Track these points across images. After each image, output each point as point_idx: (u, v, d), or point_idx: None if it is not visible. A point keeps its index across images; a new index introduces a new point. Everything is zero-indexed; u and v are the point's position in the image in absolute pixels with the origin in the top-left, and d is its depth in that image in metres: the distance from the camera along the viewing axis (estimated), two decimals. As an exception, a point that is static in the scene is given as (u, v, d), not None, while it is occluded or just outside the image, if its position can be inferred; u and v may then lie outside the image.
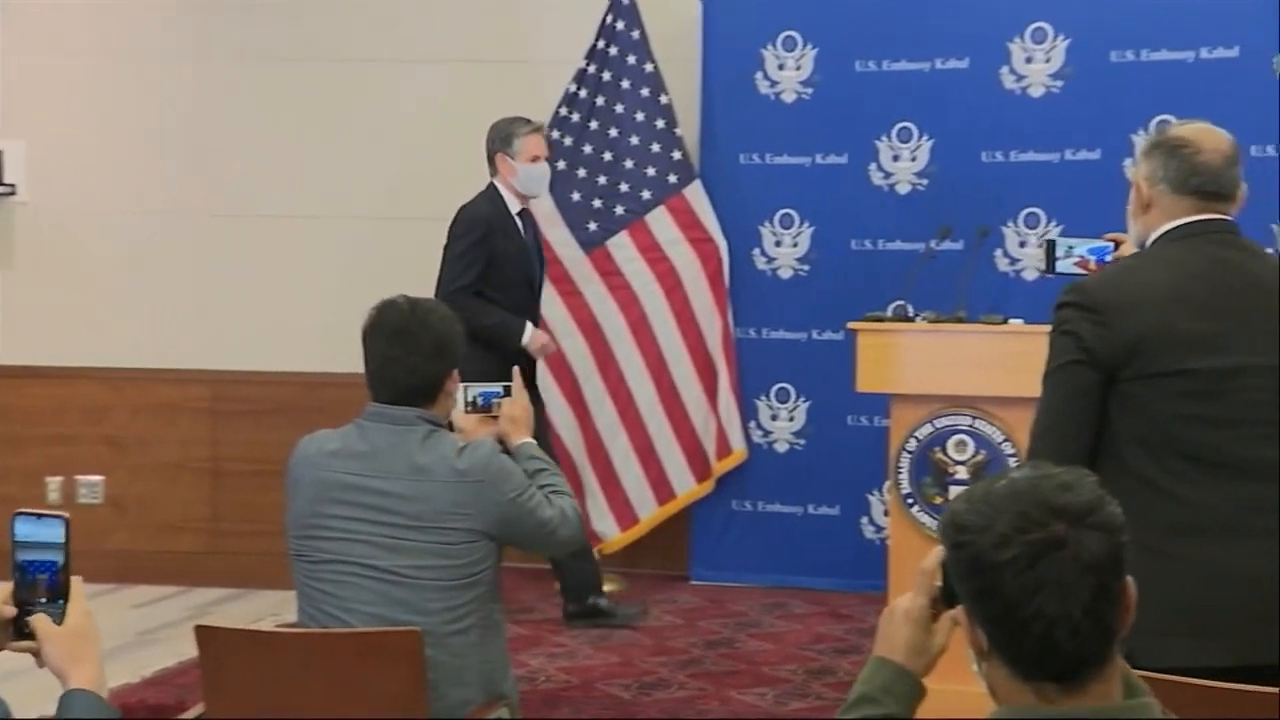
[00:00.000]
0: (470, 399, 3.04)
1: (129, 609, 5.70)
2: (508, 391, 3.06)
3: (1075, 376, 2.45)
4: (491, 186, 5.00)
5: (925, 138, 5.49)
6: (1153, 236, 2.52)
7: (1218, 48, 5.15)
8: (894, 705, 1.69)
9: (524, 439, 3.03)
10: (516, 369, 3.37)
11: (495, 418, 3.03)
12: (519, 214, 4.98)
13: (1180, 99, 5.13)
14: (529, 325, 4.93)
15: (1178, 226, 2.48)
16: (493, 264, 4.86)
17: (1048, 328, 3.97)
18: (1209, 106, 5.01)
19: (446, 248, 4.95)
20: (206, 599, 5.88)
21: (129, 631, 5.30)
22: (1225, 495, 2.40)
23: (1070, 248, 3.16)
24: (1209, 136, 2.51)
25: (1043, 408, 2.51)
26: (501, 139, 4.95)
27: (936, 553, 1.63)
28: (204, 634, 2.62)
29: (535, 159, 4.93)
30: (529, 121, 4.99)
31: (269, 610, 5.47)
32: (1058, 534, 1.46)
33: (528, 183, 4.95)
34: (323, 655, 2.61)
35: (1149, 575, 2.32)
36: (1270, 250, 2.84)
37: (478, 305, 4.79)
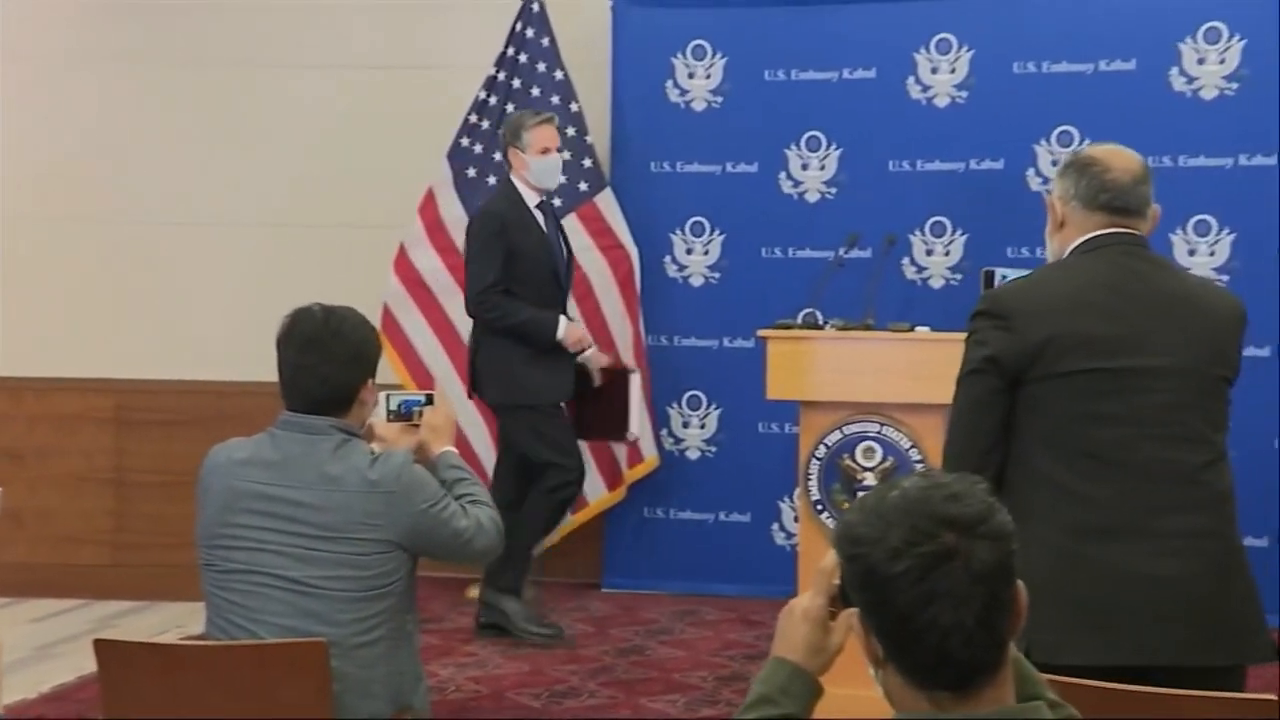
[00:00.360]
0: (392, 407, 3.00)
1: (28, 623, 5.57)
2: (430, 400, 3.02)
3: (981, 383, 2.52)
4: (507, 182, 4.97)
5: (834, 147, 5.54)
6: (1066, 251, 2.60)
7: (1115, 60, 5.26)
8: (791, 705, 1.70)
9: (445, 447, 2.99)
10: (436, 378, 3.35)
11: (418, 426, 2.99)
12: (538, 206, 4.92)
13: (1080, 110, 5.28)
14: (561, 319, 4.86)
15: (1088, 239, 2.56)
16: (514, 259, 4.80)
17: (954, 335, 4.08)
18: (1107, 118, 5.21)
19: (465, 250, 4.92)
20: (109, 612, 5.76)
21: (27, 646, 5.18)
22: (1129, 495, 2.44)
23: (1004, 278, 3.21)
24: (1119, 157, 2.60)
25: (952, 414, 2.59)
26: (511, 133, 4.91)
27: (834, 553, 1.64)
28: (104, 648, 2.57)
29: (545, 151, 4.86)
30: (538, 113, 4.94)
31: (174, 623, 5.38)
32: (949, 545, 1.47)
33: (540, 175, 4.88)
34: (226, 668, 2.56)
35: (1053, 573, 2.39)
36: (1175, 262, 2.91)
37: (507, 304, 4.77)
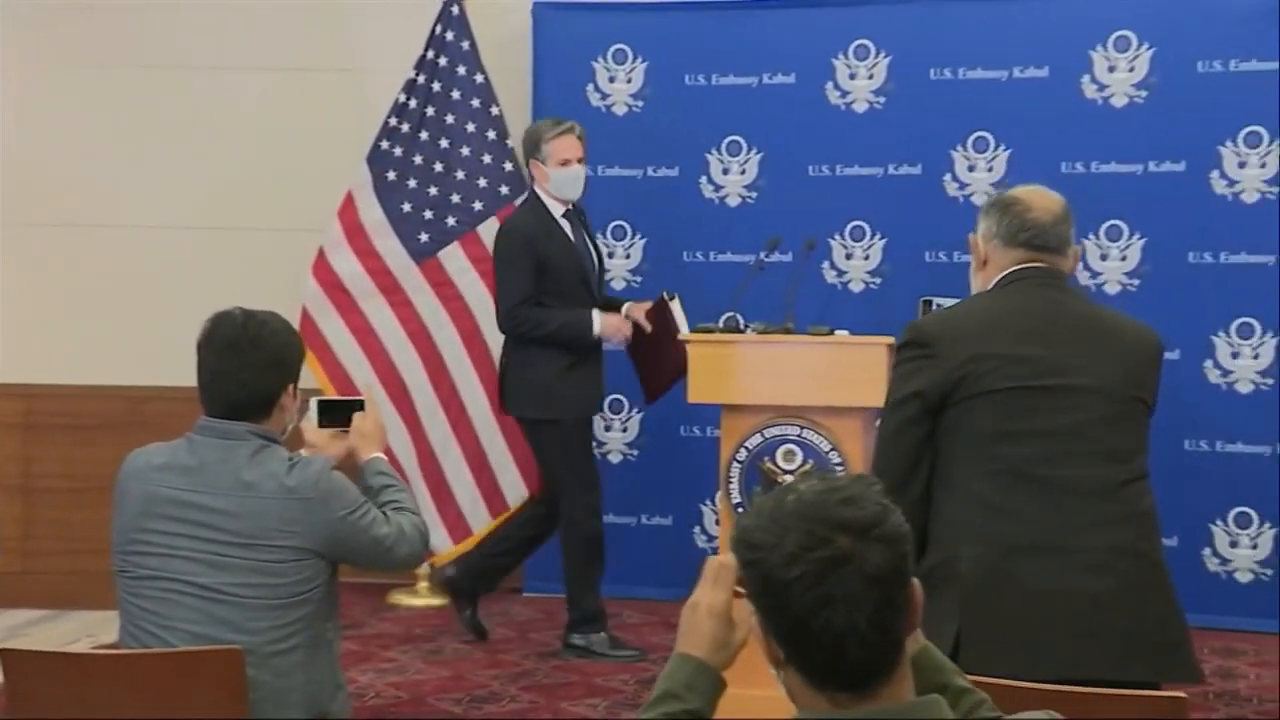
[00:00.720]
0: (323, 412, 2.97)
1: (-68, 634, 5.45)
2: (360, 405, 2.99)
3: (903, 410, 2.58)
4: (532, 194, 4.92)
5: (754, 151, 5.57)
6: (989, 287, 2.68)
7: (1029, 68, 5.34)
8: (696, 701, 1.71)
9: (374, 453, 2.97)
10: (368, 386, 3.32)
11: (346, 431, 2.96)
12: (564, 216, 4.85)
13: (995, 116, 5.35)
14: (595, 314, 4.79)
15: (1007, 273, 2.64)
16: (543, 271, 4.75)
17: (874, 338, 4.16)
18: (1021, 124, 5.30)
19: (494, 268, 4.89)
20: (17, 621, 5.64)
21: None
22: (1051, 512, 2.49)
23: (941, 306, 3.26)
24: (1040, 197, 2.68)
25: (878, 440, 2.65)
26: (530, 145, 4.84)
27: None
28: (9, 657, 2.52)
29: (565, 162, 4.78)
30: (557, 124, 4.85)
31: (85, 631, 5.29)
32: (843, 549, 1.49)
33: (562, 187, 4.82)
34: (137, 676, 2.53)
35: (981, 590, 2.44)
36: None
37: (538, 315, 4.73)
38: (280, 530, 2.66)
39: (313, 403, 2.95)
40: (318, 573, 2.71)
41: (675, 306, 4.80)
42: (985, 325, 2.58)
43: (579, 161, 4.81)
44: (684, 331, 4.58)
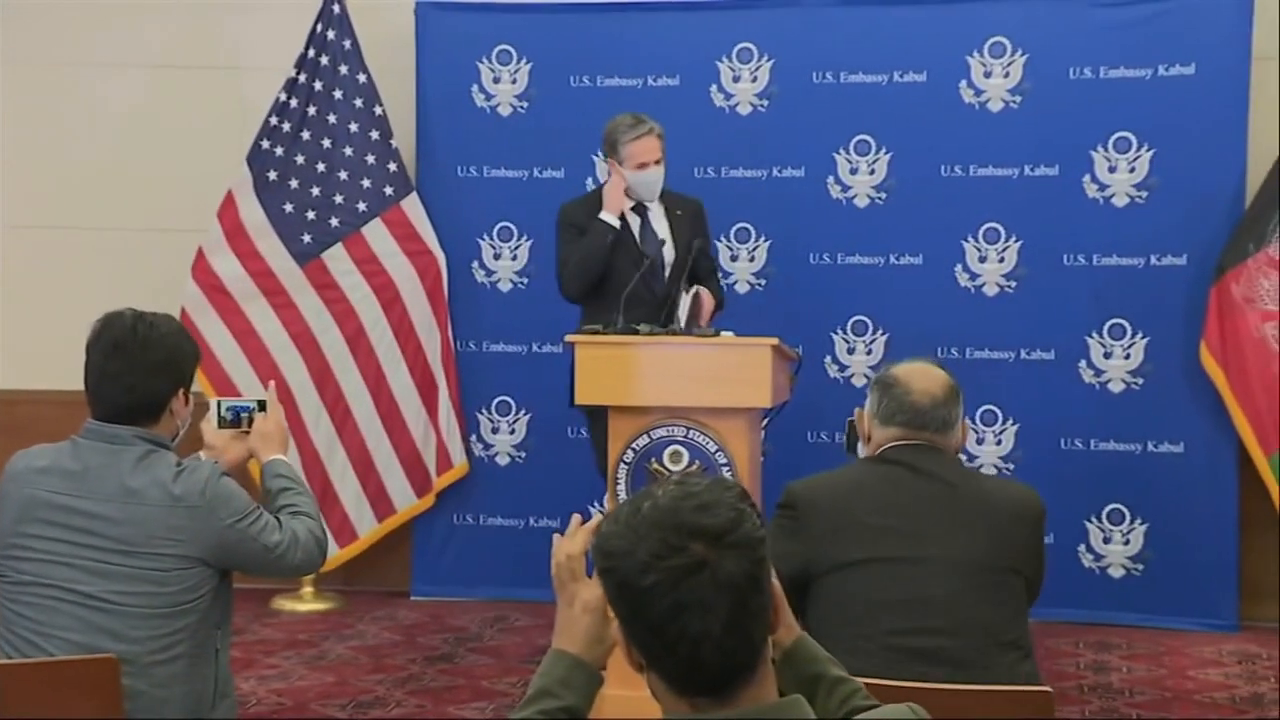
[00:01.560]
0: (223, 414, 2.92)
1: None
2: (262, 406, 2.94)
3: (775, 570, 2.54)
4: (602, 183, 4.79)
5: None
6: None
7: (909, 72, 5.41)
8: (572, 697, 1.72)
9: (275, 455, 2.91)
10: (272, 383, 3.25)
11: (247, 432, 2.92)
12: (633, 208, 4.70)
13: (876, 120, 5.42)
14: (605, 214, 4.60)
15: (883, 449, 2.67)
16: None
17: (758, 340, 4.17)
18: (902, 128, 5.39)
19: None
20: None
21: None
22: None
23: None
24: (921, 378, 2.69)
25: None
26: (609, 145, 4.69)
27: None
28: (-124, 671, 2.43)
29: (643, 166, 4.62)
30: (636, 124, 4.64)
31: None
32: (697, 556, 1.49)
33: (639, 190, 4.66)
34: (12, 687, 2.46)
35: None
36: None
37: (566, 256, 4.62)
38: (165, 538, 2.61)
39: (214, 404, 2.90)
40: (204, 581, 2.66)
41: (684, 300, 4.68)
42: (850, 495, 2.61)
43: (656, 163, 4.65)
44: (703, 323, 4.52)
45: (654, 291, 4.63)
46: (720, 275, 4.85)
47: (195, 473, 2.67)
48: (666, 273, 4.68)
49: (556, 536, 1.87)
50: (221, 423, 2.92)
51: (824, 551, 2.50)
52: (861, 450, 2.78)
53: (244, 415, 2.93)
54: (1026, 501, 2.65)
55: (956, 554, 2.52)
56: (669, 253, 4.70)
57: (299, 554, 2.74)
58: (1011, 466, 5.31)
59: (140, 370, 2.68)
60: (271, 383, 3.18)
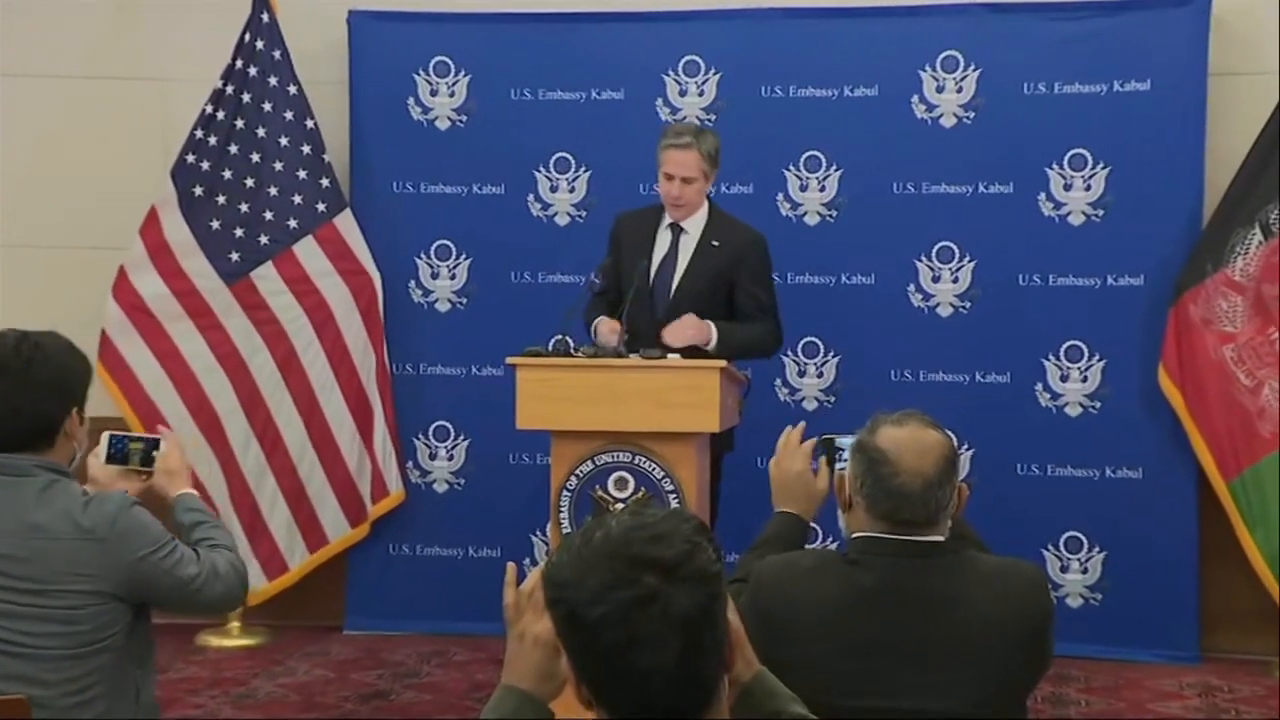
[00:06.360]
0: (110, 448, 2.81)
1: None
2: (156, 445, 2.83)
3: None
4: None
5: (583, 169, 5.48)
6: (851, 536, 2.37)
7: (859, 87, 5.34)
8: None
9: (183, 490, 2.82)
10: (164, 429, 3.09)
11: (139, 470, 2.80)
12: (669, 225, 4.52)
13: (827, 136, 5.35)
14: (602, 338, 4.41)
15: (865, 539, 2.32)
16: (621, 272, 4.47)
17: (707, 362, 4.05)
18: (854, 143, 5.32)
19: None
20: None
21: None
22: None
23: (841, 450, 2.88)
24: (912, 452, 2.28)
25: None
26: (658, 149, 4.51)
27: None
28: None
29: (668, 178, 4.44)
30: (678, 135, 4.46)
31: None
32: (649, 588, 1.46)
33: (664, 199, 4.51)
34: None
35: None
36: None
37: (589, 307, 4.53)
38: (74, 574, 2.50)
39: (104, 437, 2.80)
40: (119, 617, 2.56)
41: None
42: (826, 623, 2.24)
43: (686, 181, 4.41)
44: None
45: (656, 319, 4.43)
46: (773, 322, 4.59)
47: (104, 503, 2.57)
48: (670, 299, 4.49)
49: (511, 566, 1.84)
50: (110, 458, 2.81)
51: (786, 679, 2.02)
52: (841, 519, 2.42)
53: (134, 451, 2.82)
54: (1031, 599, 2.30)
55: (947, 705, 2.21)
56: (677, 280, 4.51)
57: (219, 587, 2.65)
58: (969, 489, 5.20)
59: (27, 393, 2.57)
60: (160, 428, 3.04)
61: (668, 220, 4.54)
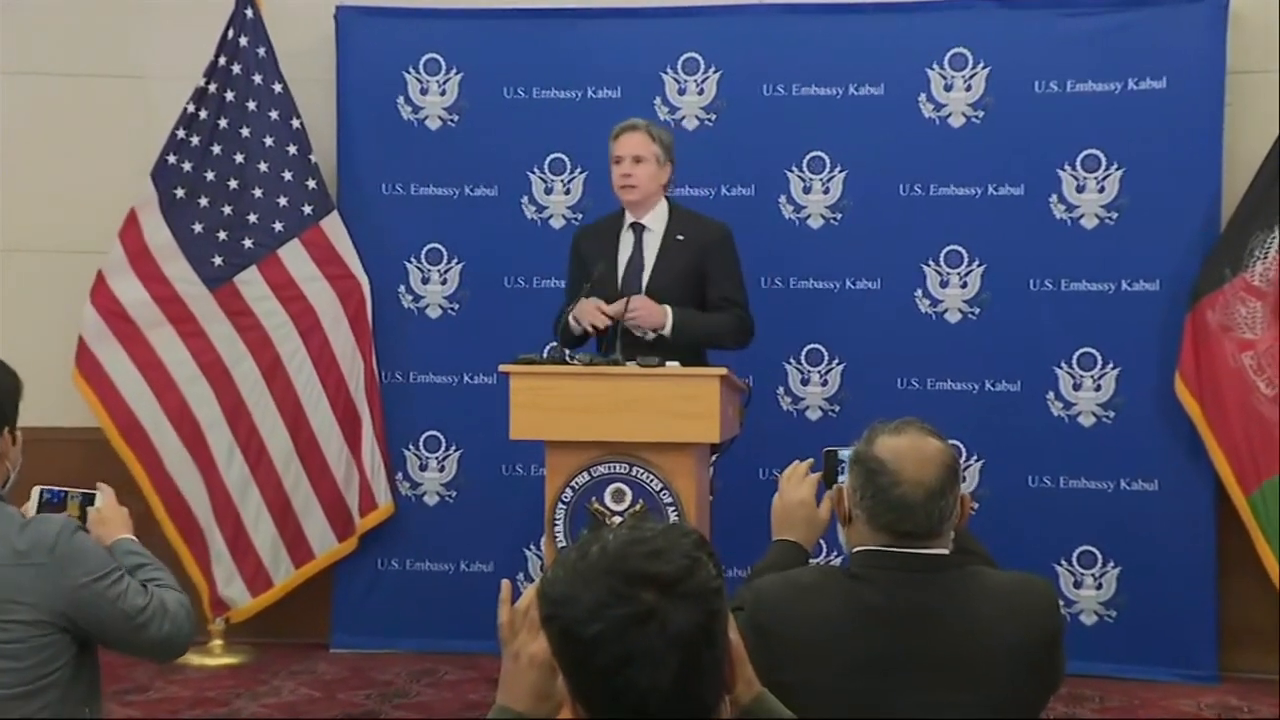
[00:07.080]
0: (42, 499, 2.72)
1: None
2: (91, 500, 2.75)
3: None
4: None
5: (579, 170, 5.41)
6: (851, 551, 2.30)
7: (865, 85, 5.25)
8: None
9: (119, 536, 2.70)
10: (103, 485, 2.95)
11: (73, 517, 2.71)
12: (631, 226, 4.45)
13: (831, 135, 5.27)
14: (574, 316, 4.33)
15: (871, 554, 2.24)
16: (592, 279, 4.34)
17: (706, 370, 3.93)
18: (858, 143, 5.24)
19: None
20: None
21: None
22: None
23: (842, 462, 2.79)
24: (913, 461, 2.23)
25: None
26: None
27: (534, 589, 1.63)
28: None
29: (616, 160, 4.44)
30: (623, 125, 4.48)
31: None
32: (647, 605, 1.45)
33: (616, 188, 4.46)
34: None
35: None
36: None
37: (564, 305, 4.44)
38: (11, 601, 2.41)
39: (35, 491, 2.72)
40: (61, 650, 2.47)
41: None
42: (827, 643, 2.17)
43: (635, 160, 4.41)
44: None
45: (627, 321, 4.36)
46: (742, 312, 4.52)
47: (44, 525, 2.48)
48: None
49: (505, 583, 1.84)
50: (41, 507, 2.71)
51: (788, 700, 1.99)
52: (841, 534, 2.35)
53: (68, 500, 2.74)
54: (1039, 619, 2.22)
55: None
56: (646, 279, 4.43)
57: (166, 625, 2.53)
58: (975, 505, 5.07)
59: None
60: (101, 484, 2.89)
61: (629, 220, 4.48)
